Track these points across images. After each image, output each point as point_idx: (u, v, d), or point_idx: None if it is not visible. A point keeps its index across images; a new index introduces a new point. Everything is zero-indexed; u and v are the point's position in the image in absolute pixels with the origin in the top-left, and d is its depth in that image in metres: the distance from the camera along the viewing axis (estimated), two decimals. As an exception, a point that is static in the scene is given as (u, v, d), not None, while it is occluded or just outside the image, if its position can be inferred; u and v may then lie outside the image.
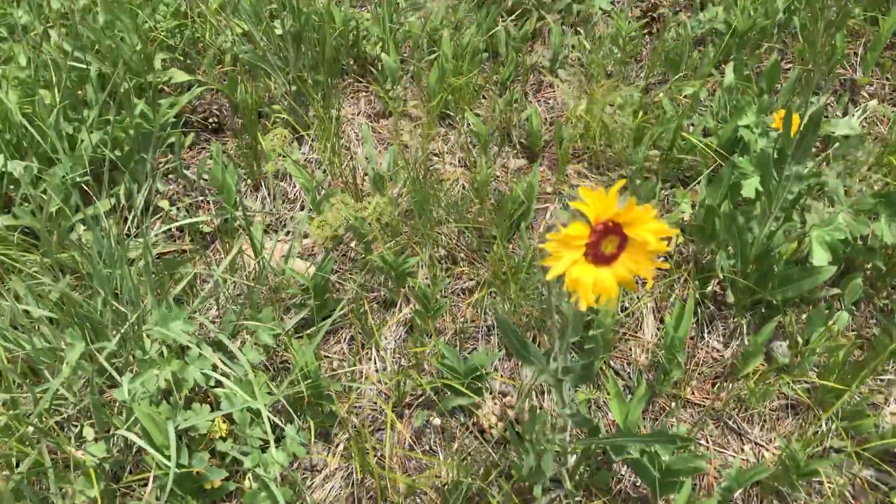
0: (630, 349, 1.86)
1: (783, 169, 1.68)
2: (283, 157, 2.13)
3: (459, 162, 2.25)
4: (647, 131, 2.09)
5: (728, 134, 2.05)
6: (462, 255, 1.97)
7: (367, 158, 2.05)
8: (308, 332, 1.78)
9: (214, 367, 1.44)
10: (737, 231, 1.80)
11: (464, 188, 2.12)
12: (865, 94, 2.35)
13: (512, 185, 2.14)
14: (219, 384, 1.48)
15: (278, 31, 2.06)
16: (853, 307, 1.91)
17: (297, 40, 2.09)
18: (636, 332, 1.88)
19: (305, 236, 2.03)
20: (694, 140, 1.99)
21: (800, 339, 1.80)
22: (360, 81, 2.41)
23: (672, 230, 0.87)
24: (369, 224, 1.74)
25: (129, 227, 1.84)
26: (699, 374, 1.82)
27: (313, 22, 2.17)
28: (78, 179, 1.82)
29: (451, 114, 2.33)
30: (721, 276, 1.87)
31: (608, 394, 1.67)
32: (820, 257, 1.71)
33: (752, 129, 2.02)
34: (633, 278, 0.89)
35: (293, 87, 2.16)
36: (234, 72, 2.13)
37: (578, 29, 2.53)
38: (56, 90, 1.87)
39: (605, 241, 0.88)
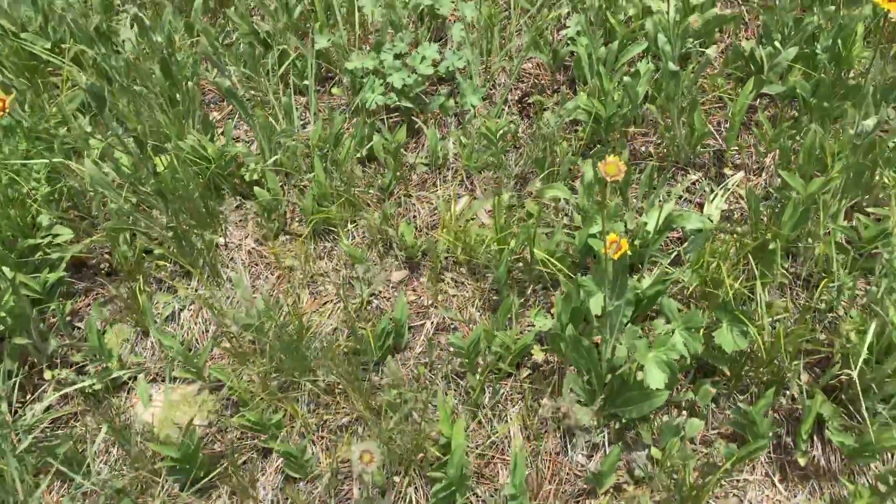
0: (498, 473, 1.89)
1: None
2: (168, 303, 2.17)
3: (343, 279, 2.28)
4: (509, 240, 2.11)
5: (583, 240, 2.06)
6: (339, 386, 2.01)
7: (240, 301, 2.08)
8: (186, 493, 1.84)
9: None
10: (585, 351, 1.83)
11: (344, 310, 2.15)
12: (731, 166, 2.34)
13: (393, 299, 2.17)
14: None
15: (144, 188, 2.09)
16: (713, 405, 1.93)
17: (161, 194, 2.12)
18: (503, 454, 1.92)
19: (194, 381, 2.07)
20: (539, 254, 2.00)
21: (655, 451, 1.82)
22: (248, 200, 2.43)
23: None
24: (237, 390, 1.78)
25: (12, 409, 1.89)
26: (562, 493, 1.85)
27: (186, 158, 2.20)
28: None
29: (334, 228, 2.35)
30: (577, 395, 1.89)
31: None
32: (655, 379, 1.73)
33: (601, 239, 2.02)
34: None
35: (170, 232, 2.18)
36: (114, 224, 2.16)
37: (458, 124, 2.54)
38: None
39: None
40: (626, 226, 2.06)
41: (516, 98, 2.65)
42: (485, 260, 2.13)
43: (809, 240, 1.96)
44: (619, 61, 2.52)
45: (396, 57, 2.50)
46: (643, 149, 2.44)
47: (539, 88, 2.65)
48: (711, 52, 2.01)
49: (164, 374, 2.11)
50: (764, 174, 2.30)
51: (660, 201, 2.25)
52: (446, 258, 2.23)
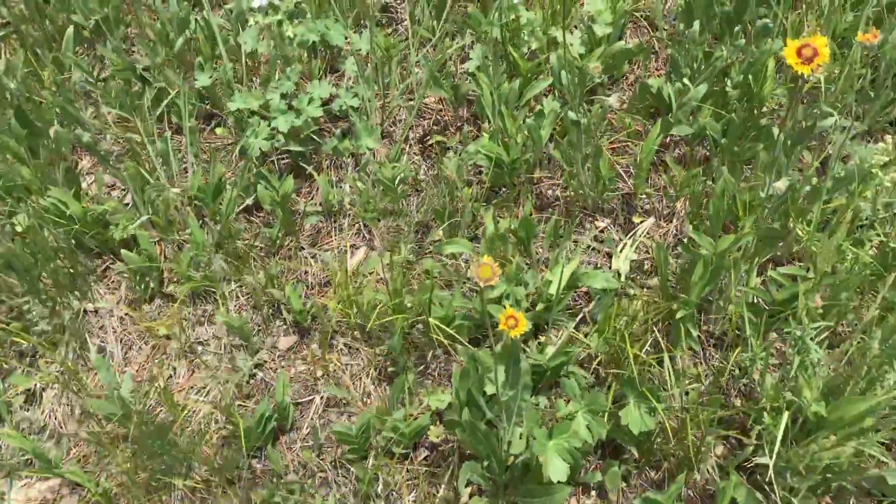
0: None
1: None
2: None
3: (225, 349, 2.06)
4: (405, 305, 1.92)
5: (484, 304, 1.89)
6: (216, 479, 1.80)
7: (104, 387, 1.86)
8: None
9: None
10: (483, 436, 1.66)
11: (224, 386, 1.94)
12: (641, 212, 2.20)
13: (279, 370, 1.97)
14: None
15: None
16: (624, 483, 1.78)
17: (9, 262, 1.88)
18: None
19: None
20: (434, 322, 1.82)
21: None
22: (119, 261, 2.20)
23: None
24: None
25: None
26: (464, 592, 1.68)
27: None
28: None
29: (215, 290, 2.13)
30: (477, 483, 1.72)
31: None
32: (557, 471, 1.57)
33: (504, 303, 1.86)
34: None
35: (28, 301, 1.94)
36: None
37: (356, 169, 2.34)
38: None
39: None
40: (527, 287, 1.89)
41: (418, 136, 2.46)
42: (380, 326, 1.94)
43: (721, 302, 1.83)
44: (523, 97, 2.36)
45: (283, 97, 2.28)
46: (550, 192, 2.28)
47: (442, 126, 2.47)
48: (613, 100, 1.85)
49: (24, 466, 1.87)
50: (675, 220, 2.16)
51: (567, 252, 2.10)
52: (338, 322, 2.04)
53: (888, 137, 1.59)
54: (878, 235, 1.72)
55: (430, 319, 1.82)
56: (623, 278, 2.02)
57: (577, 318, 1.94)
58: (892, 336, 1.45)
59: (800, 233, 1.89)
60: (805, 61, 1.27)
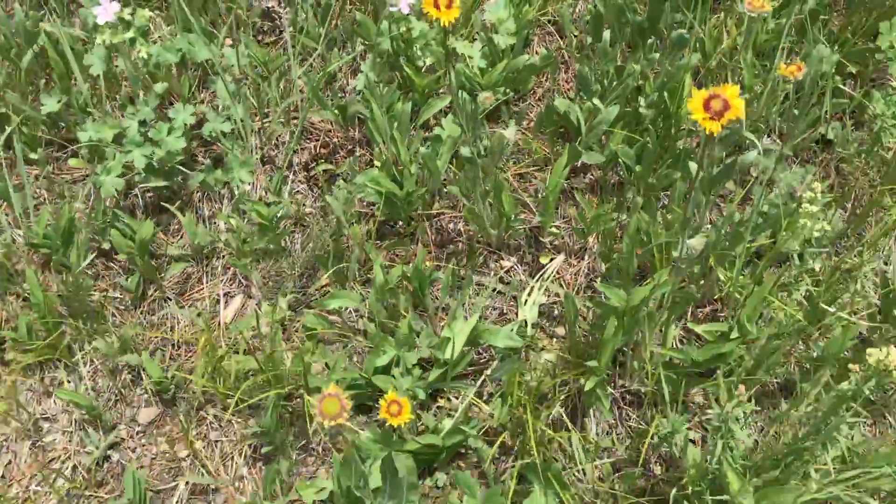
0: None
1: None
2: None
3: (76, 425, 1.77)
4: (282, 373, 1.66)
5: (371, 371, 1.64)
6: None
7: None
8: None
9: None
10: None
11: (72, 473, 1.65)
12: (550, 249, 1.97)
13: (141, 449, 1.70)
14: None
15: None
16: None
17: None
18: None
19: None
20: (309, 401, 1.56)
21: None
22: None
23: None
24: None
25: None
26: None
27: None
28: None
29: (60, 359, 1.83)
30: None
31: None
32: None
33: (393, 371, 1.61)
34: None
35: None
36: None
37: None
38: None
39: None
40: (420, 350, 1.64)
41: (304, 161, 2.18)
42: (253, 397, 1.68)
43: (635, 363, 1.62)
44: (420, 117, 2.10)
45: (142, 124, 1.97)
46: (451, 226, 2.03)
47: (330, 149, 2.19)
48: (510, 133, 1.61)
49: None
50: (587, 257, 1.94)
51: (469, 298, 1.86)
52: (205, 392, 1.76)
53: (816, 185, 1.39)
54: (807, 285, 1.52)
55: (307, 398, 1.56)
56: (530, 328, 1.79)
57: (480, 381, 1.71)
58: (824, 419, 1.26)
59: (721, 277, 1.68)
60: (714, 116, 1.04)
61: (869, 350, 1.11)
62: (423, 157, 1.89)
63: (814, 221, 1.35)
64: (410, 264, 1.79)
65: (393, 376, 1.59)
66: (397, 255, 1.98)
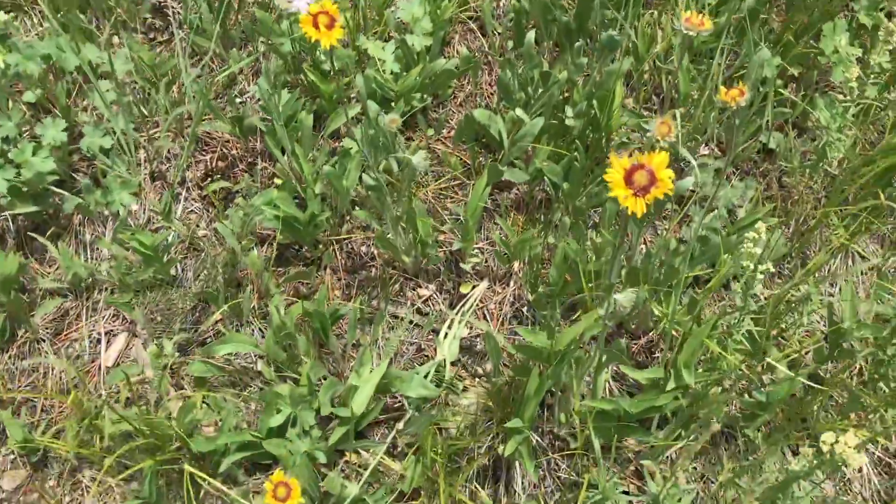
0: None
1: None
2: None
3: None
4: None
5: (266, 432, 1.43)
6: None
7: None
8: None
9: None
10: None
11: None
12: (471, 273, 1.78)
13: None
14: None
15: None
16: None
17: None
18: None
19: None
20: (190, 471, 1.36)
21: None
22: None
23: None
24: None
25: None
26: None
27: None
28: None
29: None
30: None
31: None
32: None
33: (289, 432, 1.41)
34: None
35: None
36: None
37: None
38: None
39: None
40: (321, 410, 1.44)
41: (199, 176, 1.94)
42: (134, 460, 1.46)
43: (562, 416, 1.44)
44: (327, 128, 1.88)
45: (5, 141, 1.71)
46: (364, 249, 1.83)
47: (229, 162, 1.96)
48: (419, 159, 1.40)
49: None
50: (512, 283, 1.76)
51: (383, 334, 1.66)
52: (81, 451, 1.53)
53: (760, 224, 1.22)
54: (749, 325, 1.36)
55: (187, 467, 1.35)
56: (449, 369, 1.60)
57: (391, 436, 1.52)
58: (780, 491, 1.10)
59: (656, 311, 1.52)
60: (638, 192, 0.86)
61: (823, 437, 0.95)
62: (329, 177, 1.67)
63: (755, 261, 1.19)
64: (316, 296, 1.58)
65: (289, 438, 1.38)
66: (303, 285, 1.77)
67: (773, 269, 1.22)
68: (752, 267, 1.21)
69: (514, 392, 1.53)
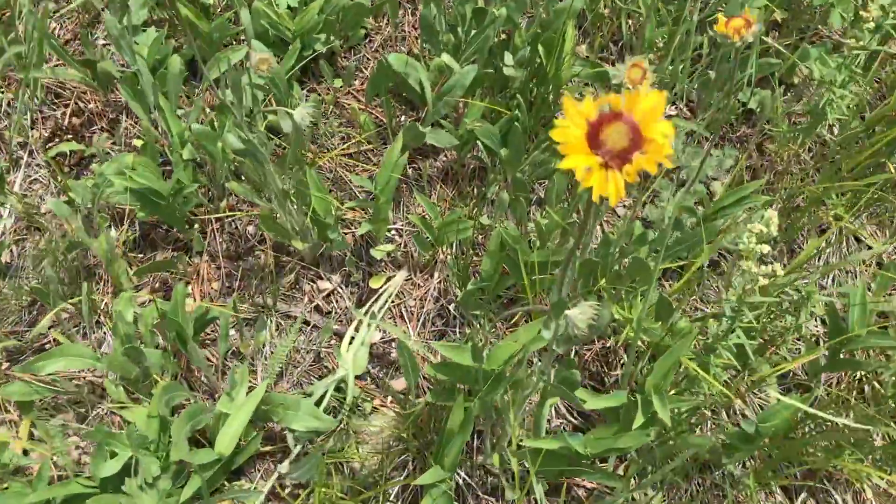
0: None
1: None
2: None
3: None
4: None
5: (97, 482, 1.05)
6: None
7: None
8: None
9: None
10: None
11: None
12: (387, 260, 1.41)
13: None
14: None
15: None
16: None
17: None
18: None
19: None
20: None
21: None
22: None
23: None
24: None
25: None
26: None
27: None
28: None
29: None
30: None
31: None
32: None
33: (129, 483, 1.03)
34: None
35: None
36: None
37: None
38: None
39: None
40: (176, 449, 1.07)
41: (46, 136, 1.53)
42: None
43: (496, 457, 1.09)
44: (206, 79, 1.47)
45: None
46: (250, 230, 1.44)
47: (85, 119, 1.54)
48: (301, 115, 1.02)
49: None
50: (437, 274, 1.40)
51: (270, 342, 1.29)
52: None
53: (771, 214, 0.88)
54: (739, 338, 1.02)
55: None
56: (352, 387, 1.24)
57: (270, 482, 1.15)
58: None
59: (617, 315, 1.17)
60: (612, 160, 0.51)
61: None
62: (199, 137, 1.28)
63: (757, 266, 0.85)
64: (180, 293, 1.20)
65: (127, 492, 1.01)
66: (171, 276, 1.38)
67: (780, 272, 0.89)
68: (752, 269, 0.87)
69: (435, 418, 1.18)
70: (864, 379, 1.29)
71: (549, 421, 1.23)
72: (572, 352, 1.28)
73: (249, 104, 1.16)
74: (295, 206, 1.27)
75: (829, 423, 1.13)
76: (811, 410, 1.00)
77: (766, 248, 0.86)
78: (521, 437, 1.08)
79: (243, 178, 1.37)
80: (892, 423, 1.06)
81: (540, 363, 0.91)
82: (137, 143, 1.42)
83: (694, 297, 1.38)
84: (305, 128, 1.04)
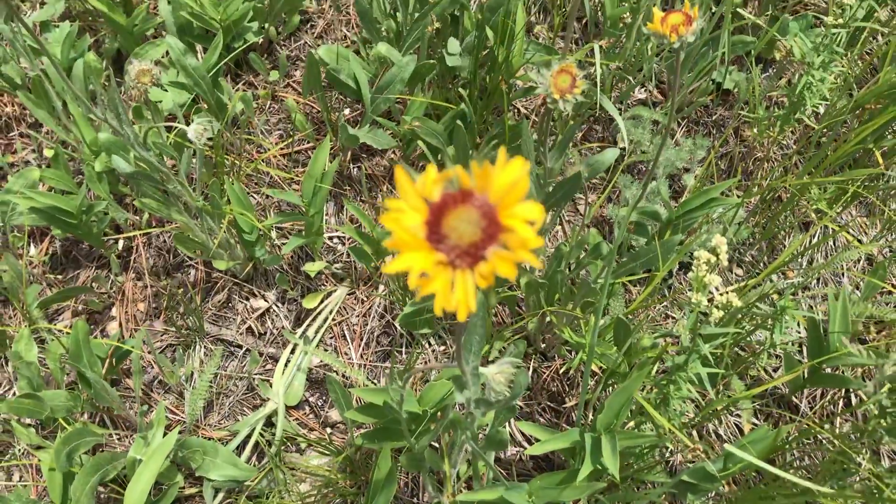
0: None
1: None
2: None
3: None
4: None
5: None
6: None
7: None
8: None
9: None
10: None
11: None
12: (326, 274, 1.29)
13: None
14: None
15: None
16: None
17: None
18: None
19: None
20: None
21: None
22: None
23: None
24: None
25: None
26: None
27: None
28: None
29: None
30: None
31: None
32: None
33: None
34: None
35: None
36: None
37: None
38: None
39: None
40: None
41: (-40, 145, 1.40)
42: None
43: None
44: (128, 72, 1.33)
45: None
46: (171, 240, 1.31)
47: (2, 125, 1.41)
48: (195, 132, 0.88)
49: None
50: (382, 287, 1.27)
51: (196, 370, 1.18)
52: None
53: (718, 241, 0.75)
54: (698, 370, 0.89)
55: None
56: (282, 420, 1.12)
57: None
58: None
59: (567, 337, 1.04)
60: (458, 258, 0.37)
61: None
62: (106, 147, 1.15)
63: (707, 296, 0.71)
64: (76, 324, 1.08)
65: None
66: (95, 296, 1.26)
67: (737, 303, 0.75)
68: (703, 302, 0.74)
69: (370, 458, 1.06)
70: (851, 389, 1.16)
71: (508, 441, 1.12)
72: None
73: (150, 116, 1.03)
74: (215, 222, 1.15)
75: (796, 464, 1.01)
76: (774, 470, 0.87)
77: (716, 280, 0.73)
78: (461, 484, 0.96)
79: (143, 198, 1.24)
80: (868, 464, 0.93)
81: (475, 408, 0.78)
82: (49, 152, 1.28)
83: (664, 302, 1.25)
84: (202, 145, 0.90)
